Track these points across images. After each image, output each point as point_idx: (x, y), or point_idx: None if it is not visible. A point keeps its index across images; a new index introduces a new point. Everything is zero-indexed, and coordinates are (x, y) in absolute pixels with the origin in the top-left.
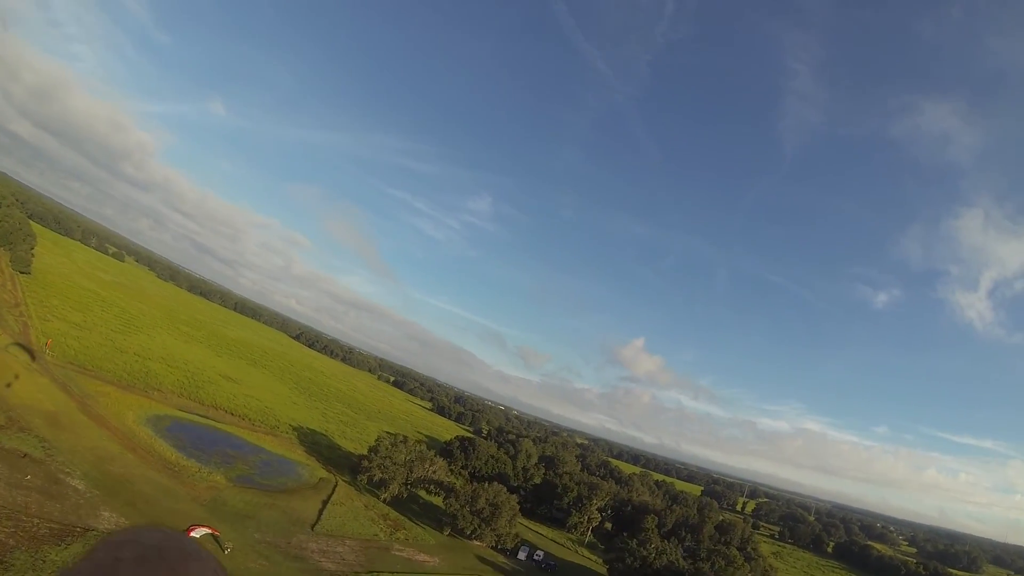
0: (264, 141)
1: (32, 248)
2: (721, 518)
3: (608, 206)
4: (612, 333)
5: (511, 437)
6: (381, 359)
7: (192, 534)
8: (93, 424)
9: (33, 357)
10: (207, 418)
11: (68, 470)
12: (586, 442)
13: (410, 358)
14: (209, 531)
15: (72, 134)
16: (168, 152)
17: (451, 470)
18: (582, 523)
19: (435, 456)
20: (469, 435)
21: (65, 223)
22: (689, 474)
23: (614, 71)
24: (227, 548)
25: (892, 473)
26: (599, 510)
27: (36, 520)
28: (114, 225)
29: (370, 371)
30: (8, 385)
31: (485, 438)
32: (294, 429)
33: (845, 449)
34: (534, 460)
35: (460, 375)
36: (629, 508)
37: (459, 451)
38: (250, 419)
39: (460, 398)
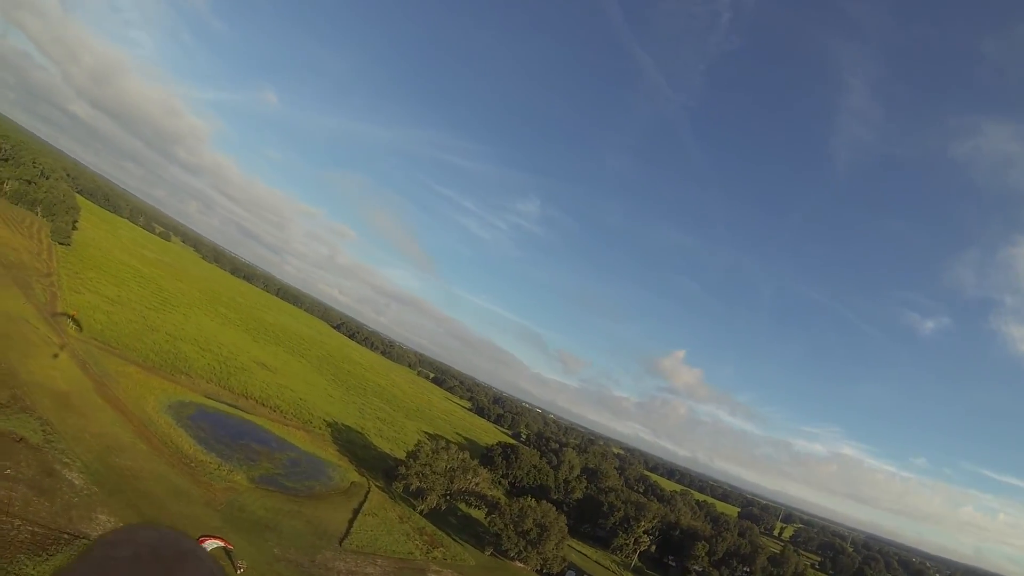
0: (313, 132)
1: (75, 220)
2: (768, 548)
3: (655, 215)
4: (652, 343)
5: (553, 446)
6: (421, 354)
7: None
8: (107, 407)
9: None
10: (235, 408)
11: (67, 460)
12: (623, 452)
13: (449, 355)
14: (221, 544)
15: (128, 116)
16: (219, 138)
17: (492, 479)
18: (627, 545)
19: (478, 466)
20: (511, 442)
21: (114, 201)
22: (724, 493)
23: (667, 80)
24: (240, 567)
25: (928, 507)
26: (646, 532)
27: (17, 522)
28: (163, 206)
29: (409, 366)
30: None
31: (524, 443)
32: (328, 425)
33: (881, 478)
34: (576, 472)
35: (498, 375)
36: (677, 532)
37: (500, 458)
38: (282, 411)
39: (499, 399)
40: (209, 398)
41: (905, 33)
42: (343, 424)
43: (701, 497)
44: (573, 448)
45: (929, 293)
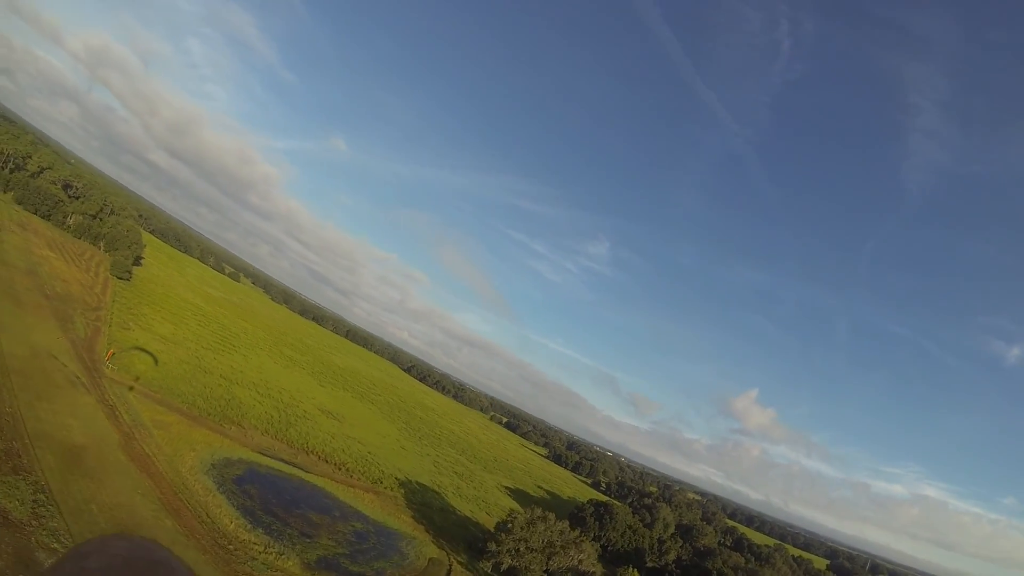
0: (384, 177)
1: (138, 255)
2: None
3: (725, 252)
4: (725, 383)
5: (647, 501)
6: (492, 398)
7: None
8: (132, 468)
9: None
10: (293, 465)
11: (56, 545)
12: (701, 499)
13: (520, 398)
14: None
15: (204, 165)
16: (291, 184)
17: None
18: None
19: (580, 538)
20: (599, 496)
21: (185, 241)
22: (805, 542)
23: (732, 114)
24: None
25: (1019, 552)
26: None
27: None
28: (235, 248)
29: (481, 410)
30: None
31: (605, 492)
32: (400, 484)
33: (967, 521)
34: (671, 530)
35: (568, 418)
36: None
37: (592, 519)
38: (348, 468)
39: (573, 444)
40: (262, 454)
41: (973, 44)
42: (417, 482)
43: (797, 553)
44: (663, 500)
45: (1014, 317)
